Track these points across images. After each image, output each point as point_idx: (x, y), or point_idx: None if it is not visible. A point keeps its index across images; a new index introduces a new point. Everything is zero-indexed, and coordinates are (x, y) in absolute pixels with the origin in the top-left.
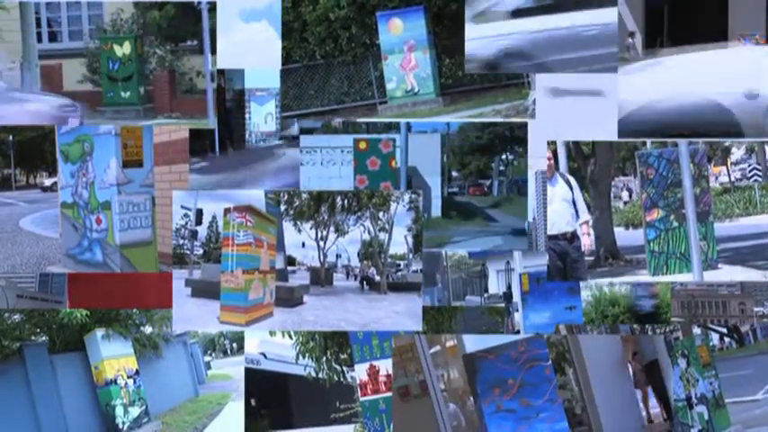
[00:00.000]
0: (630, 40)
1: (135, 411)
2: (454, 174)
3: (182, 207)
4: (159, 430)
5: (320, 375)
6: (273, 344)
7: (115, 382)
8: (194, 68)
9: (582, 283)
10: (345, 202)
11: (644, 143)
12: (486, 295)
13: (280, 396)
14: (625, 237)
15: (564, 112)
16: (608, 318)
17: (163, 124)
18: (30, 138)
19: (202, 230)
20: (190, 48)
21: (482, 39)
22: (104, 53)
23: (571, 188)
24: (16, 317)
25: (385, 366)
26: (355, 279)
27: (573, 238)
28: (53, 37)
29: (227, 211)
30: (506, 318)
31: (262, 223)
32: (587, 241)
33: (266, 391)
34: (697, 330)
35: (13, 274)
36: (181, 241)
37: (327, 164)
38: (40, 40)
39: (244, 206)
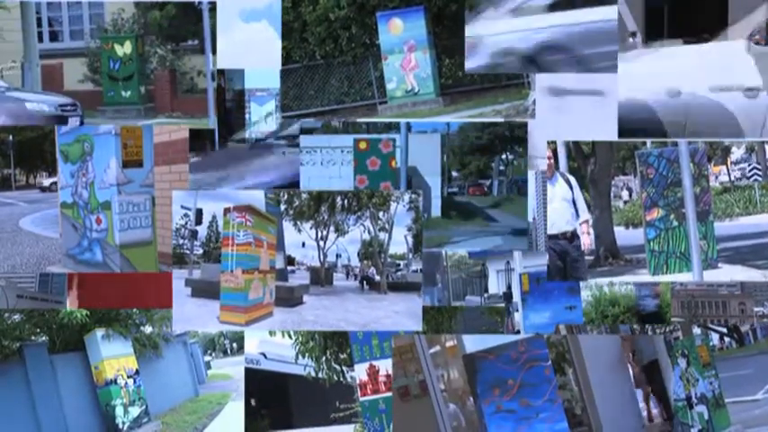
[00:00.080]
0: (631, 39)
1: (135, 411)
2: (454, 174)
3: (181, 207)
4: (159, 430)
5: (320, 375)
6: (273, 344)
7: (115, 381)
8: (195, 68)
9: (582, 283)
10: (345, 201)
11: (644, 143)
12: (486, 295)
13: (280, 396)
14: (625, 236)
15: (564, 112)
16: (608, 318)
17: (163, 124)
18: (30, 138)
19: (202, 230)
20: (191, 47)
21: (519, 32)
22: (105, 53)
23: (571, 187)
24: (16, 317)
25: (385, 366)
26: (355, 279)
27: (573, 237)
28: (54, 36)
29: (226, 210)
30: (506, 318)
31: (262, 223)
32: (587, 240)
33: (266, 391)
34: (697, 330)
35: (13, 274)
36: (181, 241)
37: (327, 164)
38: (41, 39)
39: (244, 206)
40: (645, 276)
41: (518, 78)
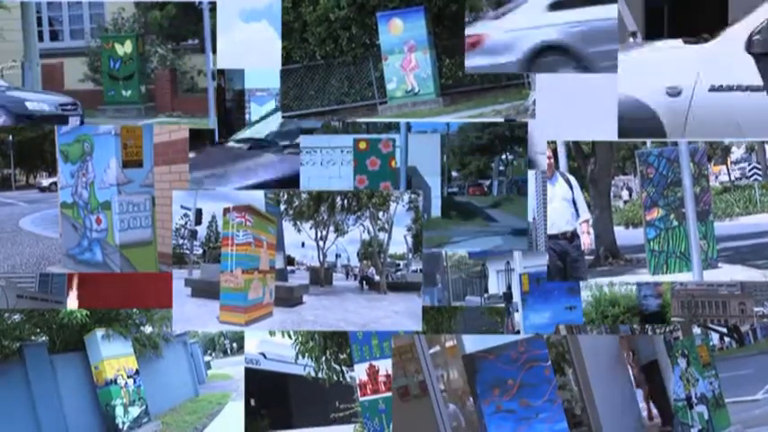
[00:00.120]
0: (632, 39)
1: (135, 411)
2: (454, 174)
3: (181, 207)
4: (159, 430)
5: (320, 375)
6: (273, 344)
7: (115, 381)
8: (195, 67)
9: (582, 284)
10: (345, 201)
11: (644, 142)
12: (486, 295)
13: (279, 396)
14: (625, 236)
15: (564, 112)
16: (608, 318)
17: (164, 123)
18: (30, 138)
19: (202, 230)
20: (191, 47)
21: (558, 25)
22: (106, 52)
23: (571, 187)
24: (16, 317)
25: (384, 366)
26: (355, 279)
27: (573, 237)
28: (54, 36)
29: (226, 210)
30: (506, 318)
31: (261, 223)
32: (587, 240)
33: (266, 391)
34: (697, 330)
35: (13, 274)
36: (180, 241)
37: (327, 164)
38: (41, 38)
39: (243, 206)
40: (645, 276)
41: (518, 78)
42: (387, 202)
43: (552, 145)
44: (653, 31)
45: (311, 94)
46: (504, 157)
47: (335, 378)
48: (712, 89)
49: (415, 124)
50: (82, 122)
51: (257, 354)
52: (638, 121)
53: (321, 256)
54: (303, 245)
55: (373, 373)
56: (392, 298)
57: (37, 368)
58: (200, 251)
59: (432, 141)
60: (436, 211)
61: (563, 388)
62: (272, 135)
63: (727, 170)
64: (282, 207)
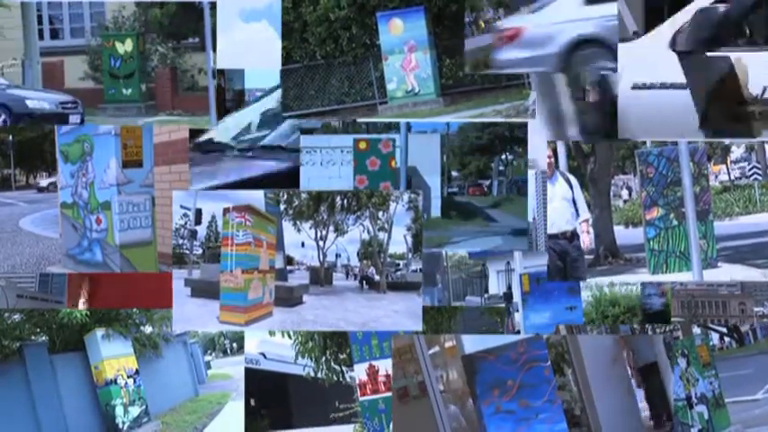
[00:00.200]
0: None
1: (135, 411)
2: (454, 174)
3: (181, 207)
4: (159, 430)
5: (319, 375)
6: (273, 344)
7: (115, 381)
8: (196, 66)
9: (582, 284)
10: (345, 201)
11: (644, 142)
12: (486, 295)
13: (279, 396)
14: (625, 235)
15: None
16: (608, 318)
17: (164, 121)
18: (30, 138)
19: (202, 230)
20: (191, 45)
21: (594, 19)
22: (106, 50)
23: (571, 187)
24: (16, 317)
25: (384, 366)
26: (355, 278)
27: (573, 237)
28: (55, 34)
29: (226, 210)
30: (506, 318)
31: (261, 223)
32: (587, 239)
33: (266, 391)
34: (697, 330)
35: (13, 274)
36: (180, 241)
37: (327, 164)
38: (41, 37)
39: (243, 206)
40: (645, 276)
41: (518, 78)
42: (386, 201)
43: (552, 145)
44: None
45: (311, 93)
46: (504, 157)
47: (335, 378)
48: (635, 87)
49: (414, 124)
50: (82, 121)
51: (257, 354)
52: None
53: (321, 256)
54: (303, 245)
55: (373, 373)
56: (392, 297)
57: (37, 368)
58: (200, 251)
59: (432, 141)
60: (436, 211)
61: (562, 388)
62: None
63: (727, 170)
64: (282, 207)
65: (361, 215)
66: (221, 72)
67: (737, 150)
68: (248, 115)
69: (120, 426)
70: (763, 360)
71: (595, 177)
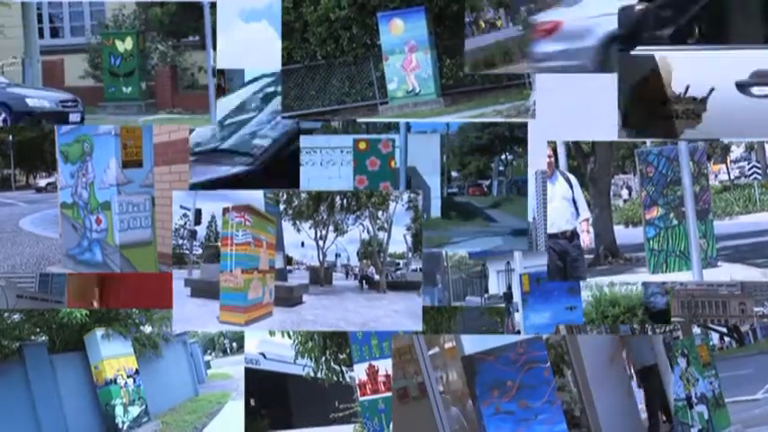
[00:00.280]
0: None
1: (135, 411)
2: (454, 174)
3: (180, 207)
4: (159, 430)
5: (319, 375)
6: (273, 344)
7: (115, 381)
8: (196, 64)
9: (582, 284)
10: (344, 201)
11: (644, 141)
12: (486, 296)
13: (279, 396)
14: (625, 235)
15: (564, 112)
16: (608, 318)
17: (164, 120)
18: (30, 138)
19: (201, 230)
20: (191, 43)
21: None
22: (106, 49)
23: (571, 186)
24: (16, 316)
25: (384, 366)
26: (354, 278)
27: (573, 236)
28: (55, 33)
29: (225, 210)
30: (506, 318)
31: (261, 223)
32: (587, 239)
33: (266, 391)
34: (697, 330)
35: (13, 274)
36: (180, 241)
37: (327, 164)
38: (41, 35)
39: (243, 206)
40: (645, 276)
41: (519, 78)
42: (386, 201)
43: (552, 144)
44: None
45: (312, 94)
46: (503, 157)
47: (335, 378)
48: None
49: (414, 124)
50: (82, 119)
51: (257, 354)
52: None
53: (321, 256)
54: (303, 244)
55: (373, 373)
56: (392, 297)
57: (37, 368)
58: (200, 251)
59: (431, 141)
60: (436, 211)
61: (562, 389)
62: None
63: (727, 169)
64: (282, 207)
65: (361, 215)
66: (221, 72)
67: (737, 150)
68: (235, 99)
69: (120, 425)
70: (763, 360)
71: (595, 177)
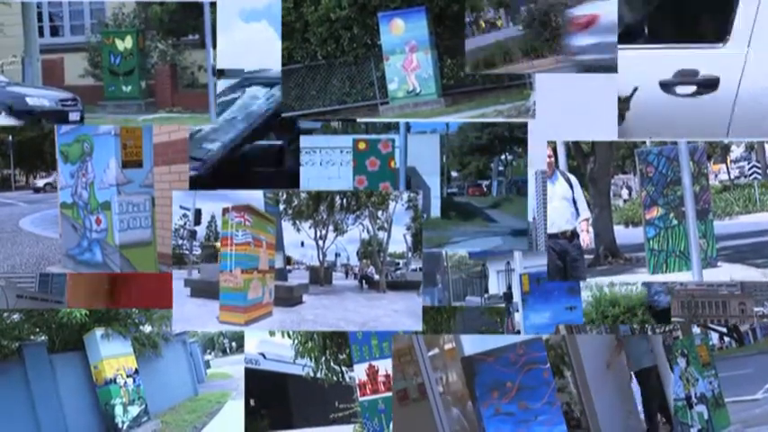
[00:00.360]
0: None
1: (134, 410)
2: (453, 174)
3: (180, 207)
4: (159, 429)
5: (319, 375)
6: (273, 344)
7: (114, 381)
8: (196, 63)
9: (582, 284)
10: (344, 201)
11: (643, 141)
12: (486, 296)
13: (279, 396)
14: (624, 235)
15: (564, 112)
16: (608, 318)
17: (164, 119)
18: (29, 138)
19: (201, 230)
20: (191, 42)
21: None
22: (106, 47)
23: (571, 186)
24: (15, 316)
25: (384, 366)
26: (354, 278)
27: (573, 236)
28: (55, 31)
29: (225, 210)
30: (506, 318)
31: (260, 222)
32: (587, 238)
33: (266, 391)
34: (696, 330)
35: (13, 274)
36: (180, 241)
37: (326, 164)
38: (41, 34)
39: (242, 206)
40: (645, 276)
41: (520, 79)
42: (386, 201)
43: (552, 144)
44: None
45: (312, 94)
46: (503, 157)
47: (335, 378)
48: None
49: (414, 124)
50: (82, 118)
51: (257, 354)
52: None
53: (320, 256)
54: (302, 244)
55: (373, 373)
56: (392, 297)
57: (36, 368)
58: (200, 251)
59: (431, 141)
60: (436, 211)
61: (562, 390)
62: None
63: (727, 169)
64: (281, 206)
65: (361, 214)
66: (221, 72)
67: (737, 149)
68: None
69: (120, 425)
70: (763, 360)
71: (595, 177)
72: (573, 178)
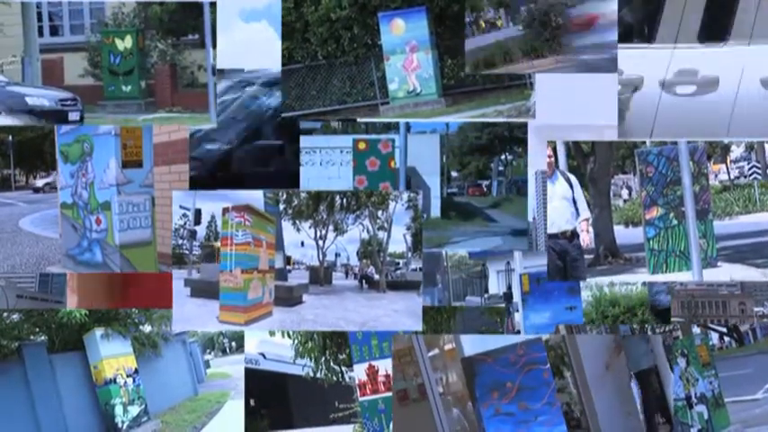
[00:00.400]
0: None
1: (134, 410)
2: (453, 174)
3: (180, 207)
4: (158, 429)
5: (319, 375)
6: (273, 344)
7: (114, 381)
8: (196, 62)
9: (582, 284)
10: (344, 201)
11: (643, 141)
12: (486, 295)
13: (279, 396)
14: (625, 235)
15: (564, 112)
16: (608, 318)
17: (164, 118)
18: (29, 138)
19: (201, 230)
20: (191, 42)
21: None
22: (106, 47)
23: (571, 186)
24: (15, 316)
25: (384, 366)
26: (354, 278)
27: (573, 236)
28: (54, 31)
29: (225, 210)
30: (506, 318)
31: (260, 222)
32: (587, 238)
33: (266, 391)
34: (697, 330)
35: (13, 274)
36: (180, 241)
37: (327, 164)
38: (41, 34)
39: (242, 205)
40: (645, 276)
41: (520, 79)
42: (386, 200)
43: (552, 144)
44: None
45: (313, 94)
46: (503, 157)
47: (335, 378)
48: None
49: (414, 124)
50: (82, 118)
51: (257, 354)
52: None
53: (320, 256)
54: (302, 244)
55: (373, 373)
56: (392, 297)
57: (36, 368)
58: (200, 251)
59: (431, 142)
60: (436, 211)
61: (562, 391)
62: None
63: (727, 169)
64: (281, 206)
65: (361, 214)
66: (221, 72)
67: (737, 149)
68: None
69: (120, 425)
70: (763, 360)
71: (595, 177)
72: (573, 178)
